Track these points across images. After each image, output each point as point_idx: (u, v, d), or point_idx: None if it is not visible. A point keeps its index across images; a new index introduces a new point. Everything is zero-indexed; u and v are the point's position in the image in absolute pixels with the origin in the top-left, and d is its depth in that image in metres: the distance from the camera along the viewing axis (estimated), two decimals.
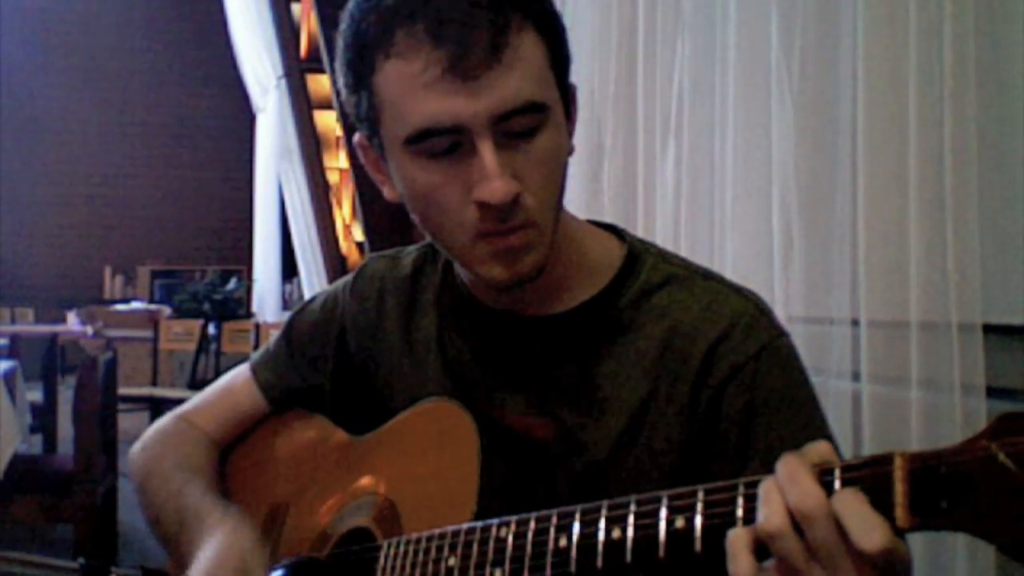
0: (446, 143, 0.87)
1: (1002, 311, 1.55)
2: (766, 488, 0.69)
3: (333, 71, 0.98)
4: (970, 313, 1.51)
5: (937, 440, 1.50)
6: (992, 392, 1.50)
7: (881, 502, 0.64)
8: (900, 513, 0.63)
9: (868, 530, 0.64)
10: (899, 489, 0.64)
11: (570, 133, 0.96)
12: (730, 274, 1.04)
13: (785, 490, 0.67)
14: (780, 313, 1.74)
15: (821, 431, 0.93)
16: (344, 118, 5.95)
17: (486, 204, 0.87)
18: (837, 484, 0.66)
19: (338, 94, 1.01)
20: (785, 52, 1.83)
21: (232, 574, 0.97)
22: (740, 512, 0.70)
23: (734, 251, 2.00)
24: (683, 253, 1.07)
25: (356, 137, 0.98)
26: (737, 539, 0.69)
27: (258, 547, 1.00)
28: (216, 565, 0.97)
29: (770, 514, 0.67)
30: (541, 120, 0.88)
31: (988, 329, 1.51)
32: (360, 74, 0.90)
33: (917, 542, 1.50)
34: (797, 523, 0.66)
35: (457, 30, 0.84)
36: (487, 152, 0.86)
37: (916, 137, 1.55)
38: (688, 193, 2.17)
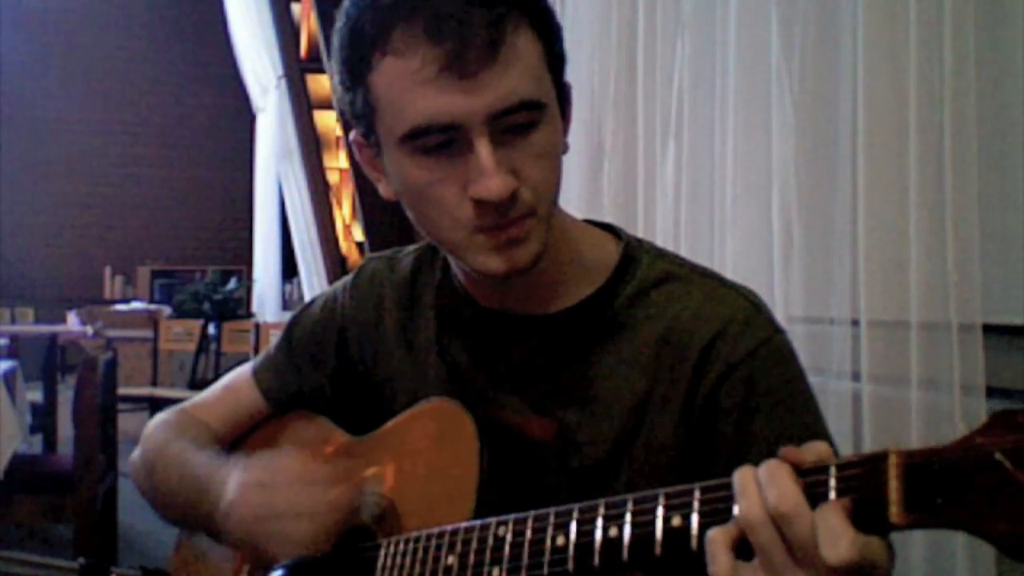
0: (442, 139, 0.87)
1: (1002, 311, 1.55)
2: (742, 480, 0.70)
3: (330, 68, 0.98)
4: (970, 313, 1.51)
5: (937, 440, 1.49)
6: (992, 392, 1.50)
7: (875, 499, 0.64)
8: (894, 510, 0.63)
9: (832, 540, 0.64)
10: (893, 486, 0.64)
11: (565, 132, 0.96)
12: (730, 274, 1.04)
13: (764, 489, 0.68)
14: (780, 313, 1.74)
15: (818, 428, 0.93)
16: (342, 116, 5.92)
17: (483, 201, 0.87)
18: (832, 482, 0.67)
19: (335, 91, 1.01)
20: (785, 52, 1.83)
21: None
22: (736, 510, 0.70)
23: (734, 251, 2.00)
24: (683, 253, 1.07)
25: (352, 135, 0.98)
26: (715, 540, 0.69)
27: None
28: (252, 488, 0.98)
29: (748, 506, 0.68)
30: (537, 117, 0.89)
31: (988, 329, 1.51)
32: (356, 72, 0.90)
33: (917, 544, 1.51)
34: (775, 520, 0.67)
35: (455, 28, 0.84)
36: (484, 149, 0.86)
37: (916, 137, 1.55)
38: (688, 193, 2.17)
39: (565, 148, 0.95)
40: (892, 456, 0.64)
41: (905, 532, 0.65)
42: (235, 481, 1.00)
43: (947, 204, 1.51)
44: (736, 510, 0.69)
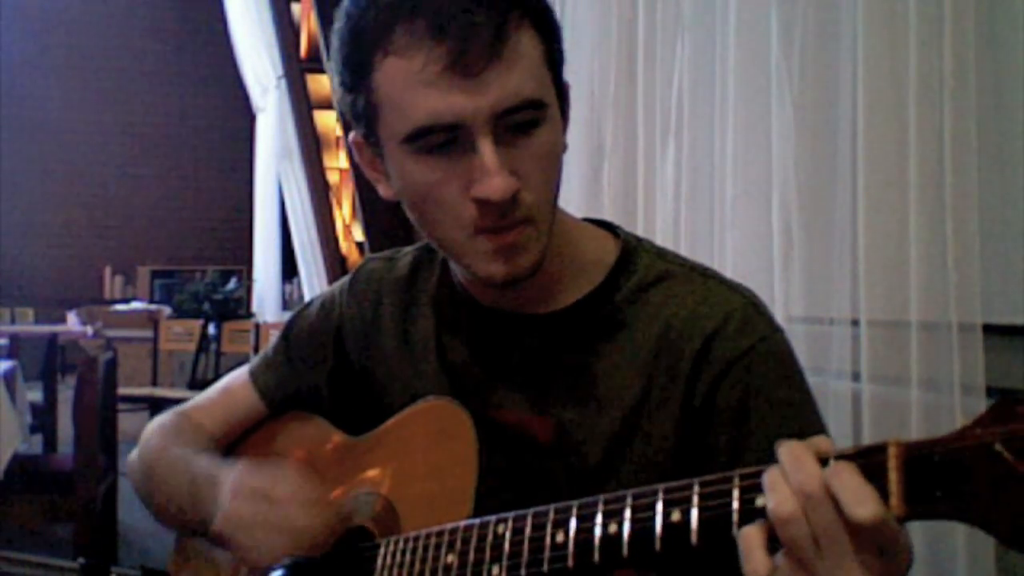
0: (445, 139, 0.87)
1: (1002, 311, 1.55)
2: (771, 477, 0.69)
3: (330, 69, 0.98)
4: (970, 313, 1.51)
5: None
6: (992, 392, 1.50)
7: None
8: (894, 502, 0.63)
9: (859, 501, 0.64)
10: (893, 478, 0.63)
11: (564, 131, 0.96)
12: (730, 274, 1.04)
13: (789, 474, 0.67)
14: (780, 313, 1.75)
15: (816, 427, 0.93)
16: (342, 116, 5.90)
17: (485, 201, 0.87)
18: None
19: (335, 92, 1.00)
20: (785, 52, 1.83)
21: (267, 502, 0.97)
22: (736, 504, 0.70)
23: (734, 251, 2.00)
24: (683, 253, 1.07)
25: (351, 135, 0.98)
26: (750, 536, 0.68)
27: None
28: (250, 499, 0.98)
29: (780, 500, 0.67)
30: (539, 116, 0.89)
31: (988, 329, 1.51)
32: (358, 72, 0.90)
33: (917, 542, 1.51)
34: (805, 508, 0.67)
35: (458, 27, 0.84)
36: (486, 149, 0.86)
37: (916, 137, 1.55)
38: (688, 193, 2.17)
39: (564, 148, 0.96)
40: (892, 448, 0.64)
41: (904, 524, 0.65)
42: (232, 485, 1.00)
43: (947, 204, 1.51)
44: (769, 504, 0.68)
